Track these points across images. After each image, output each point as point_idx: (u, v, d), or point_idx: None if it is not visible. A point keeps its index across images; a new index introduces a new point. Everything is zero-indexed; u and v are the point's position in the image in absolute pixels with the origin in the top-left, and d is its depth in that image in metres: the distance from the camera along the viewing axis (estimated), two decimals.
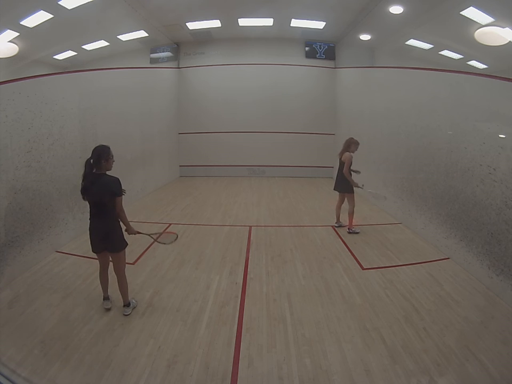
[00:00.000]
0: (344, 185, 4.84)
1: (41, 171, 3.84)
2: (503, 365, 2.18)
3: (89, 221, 2.71)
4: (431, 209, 4.45)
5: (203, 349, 2.38)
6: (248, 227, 5.15)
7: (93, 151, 2.63)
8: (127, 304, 2.81)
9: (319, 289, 3.24)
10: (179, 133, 9.68)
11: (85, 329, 2.58)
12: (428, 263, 3.80)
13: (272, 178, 9.40)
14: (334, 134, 9.44)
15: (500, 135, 3.23)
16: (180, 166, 9.79)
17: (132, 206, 6.24)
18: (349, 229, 4.89)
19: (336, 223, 5.19)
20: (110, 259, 2.84)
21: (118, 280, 2.80)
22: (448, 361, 2.23)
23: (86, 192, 2.64)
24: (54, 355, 2.27)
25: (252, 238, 4.67)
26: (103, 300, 2.89)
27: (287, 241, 4.58)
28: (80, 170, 4.71)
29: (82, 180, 2.64)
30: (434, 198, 4.38)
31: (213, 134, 9.56)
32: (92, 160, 2.61)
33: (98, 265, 2.85)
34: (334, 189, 5.09)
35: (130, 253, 4.04)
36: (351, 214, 4.84)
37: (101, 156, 2.61)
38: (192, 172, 9.69)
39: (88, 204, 2.70)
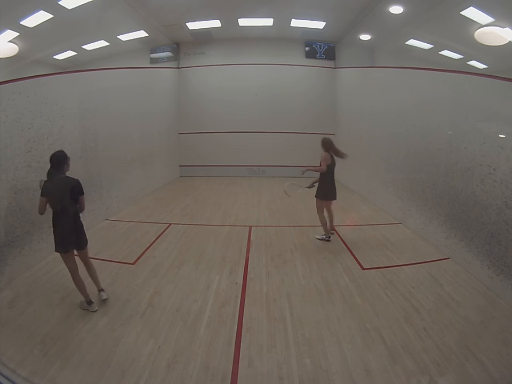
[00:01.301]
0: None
1: (41, 171, 3.83)
2: (503, 365, 2.18)
3: (53, 224, 2.78)
4: (431, 209, 4.45)
5: (203, 349, 2.38)
6: (248, 227, 5.15)
7: (51, 160, 2.79)
8: (102, 289, 2.96)
9: (319, 289, 3.24)
10: (179, 133, 9.68)
11: (85, 329, 2.58)
12: (428, 263, 3.80)
13: (272, 178, 9.40)
14: (334, 134, 9.43)
15: (500, 135, 3.23)
16: (180, 166, 9.79)
17: (132, 206, 6.24)
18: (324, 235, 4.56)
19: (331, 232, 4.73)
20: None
21: (88, 268, 2.95)
22: (448, 361, 2.22)
23: (52, 194, 2.72)
24: (54, 355, 2.27)
25: (252, 238, 4.67)
26: (88, 304, 2.83)
27: (287, 241, 4.58)
28: (80, 171, 4.71)
29: (44, 185, 2.74)
30: (434, 198, 4.38)
31: (213, 134, 9.55)
32: (53, 168, 2.77)
33: (69, 271, 2.82)
34: (335, 198, 4.62)
35: (130, 253, 4.06)
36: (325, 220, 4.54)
37: (61, 161, 2.79)
38: (192, 172, 9.69)
39: (48, 206, 2.76)
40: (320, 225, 4.56)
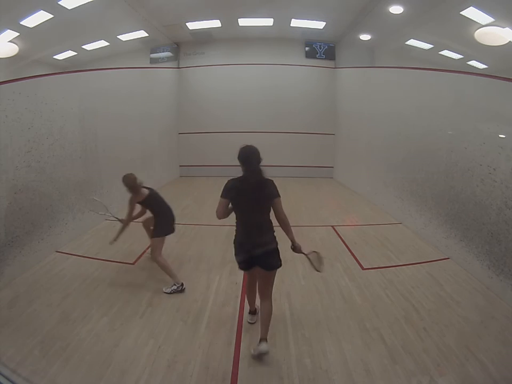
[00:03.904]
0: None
1: (41, 171, 3.84)
2: (503, 365, 2.19)
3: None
4: (431, 209, 4.45)
5: (203, 349, 2.38)
6: None
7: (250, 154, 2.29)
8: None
9: (319, 289, 3.24)
10: (179, 133, 9.68)
11: (85, 329, 2.58)
12: (428, 263, 3.80)
13: (272, 178, 9.39)
14: (334, 134, 9.44)
15: (500, 135, 3.24)
16: (180, 166, 9.78)
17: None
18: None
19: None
20: None
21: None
22: (448, 361, 2.23)
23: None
24: (54, 355, 2.27)
25: None
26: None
27: (287, 241, 4.56)
28: (81, 171, 4.69)
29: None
30: (434, 198, 4.38)
31: (213, 134, 9.55)
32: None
33: None
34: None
35: (130, 253, 4.06)
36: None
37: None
38: (192, 172, 9.68)
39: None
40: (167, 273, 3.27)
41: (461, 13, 3.99)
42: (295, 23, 7.87)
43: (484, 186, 3.37)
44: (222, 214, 2.35)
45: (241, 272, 3.57)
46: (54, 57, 5.00)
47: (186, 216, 5.74)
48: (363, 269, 3.68)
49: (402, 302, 2.99)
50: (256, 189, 2.30)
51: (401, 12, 5.60)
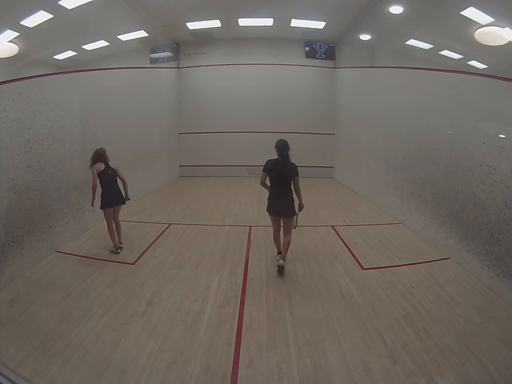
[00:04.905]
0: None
1: (41, 171, 3.84)
2: (503, 365, 2.18)
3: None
4: (431, 209, 4.45)
5: (203, 349, 2.37)
6: (248, 227, 5.15)
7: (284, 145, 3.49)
8: None
9: (319, 289, 3.23)
10: (179, 133, 9.68)
11: (85, 329, 2.58)
12: (428, 263, 3.80)
13: None
14: (334, 134, 9.44)
15: (500, 135, 3.24)
16: (180, 166, 9.79)
17: (132, 206, 6.23)
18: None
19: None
20: None
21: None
22: (448, 361, 2.22)
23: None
24: (54, 355, 2.27)
25: (252, 238, 4.67)
26: None
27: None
28: (81, 171, 4.70)
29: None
30: (434, 198, 4.38)
31: (213, 134, 9.55)
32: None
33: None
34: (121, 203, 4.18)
35: (130, 253, 4.06)
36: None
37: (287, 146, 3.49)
38: (192, 171, 9.69)
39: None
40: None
41: (461, 13, 3.99)
42: (295, 23, 7.88)
43: (484, 186, 3.37)
44: (264, 182, 3.55)
45: (241, 272, 3.60)
46: (54, 57, 5.01)
47: (186, 216, 5.75)
48: (363, 269, 3.68)
49: (402, 302, 2.98)
50: (285, 168, 3.46)
51: (401, 11, 5.60)
